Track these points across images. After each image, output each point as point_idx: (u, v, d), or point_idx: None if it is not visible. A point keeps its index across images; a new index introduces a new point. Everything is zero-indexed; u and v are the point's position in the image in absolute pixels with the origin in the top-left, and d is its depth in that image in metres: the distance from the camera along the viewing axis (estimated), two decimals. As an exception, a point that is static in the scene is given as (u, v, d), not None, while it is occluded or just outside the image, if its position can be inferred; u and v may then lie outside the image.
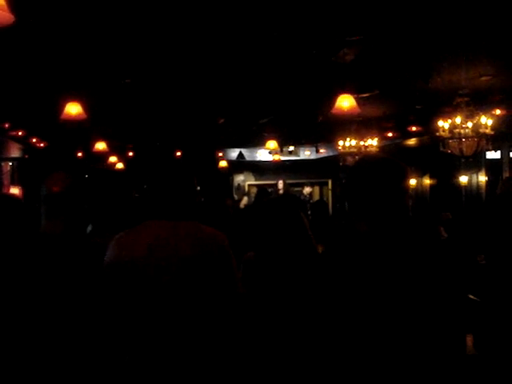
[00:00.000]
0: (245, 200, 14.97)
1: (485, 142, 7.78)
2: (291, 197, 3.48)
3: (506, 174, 11.51)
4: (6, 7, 3.09)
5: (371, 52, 6.24)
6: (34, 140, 12.63)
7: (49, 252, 2.50)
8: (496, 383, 3.55)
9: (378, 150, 11.33)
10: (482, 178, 13.04)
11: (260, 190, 8.76)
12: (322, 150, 15.59)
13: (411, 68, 7.14)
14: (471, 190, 13.37)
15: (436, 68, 7.18)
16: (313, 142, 14.99)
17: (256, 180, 18.96)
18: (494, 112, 8.43)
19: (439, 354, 1.97)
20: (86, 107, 6.80)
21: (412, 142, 13.12)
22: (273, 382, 2.67)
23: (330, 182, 19.30)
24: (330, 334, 2.05)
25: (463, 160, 8.82)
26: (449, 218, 9.91)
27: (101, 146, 11.13)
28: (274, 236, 2.93)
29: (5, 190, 13.75)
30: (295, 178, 17.79)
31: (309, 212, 6.89)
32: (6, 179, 14.90)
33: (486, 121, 7.65)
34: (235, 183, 19.20)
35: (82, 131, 10.88)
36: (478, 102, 7.96)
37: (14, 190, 14.26)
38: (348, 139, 11.48)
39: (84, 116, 6.70)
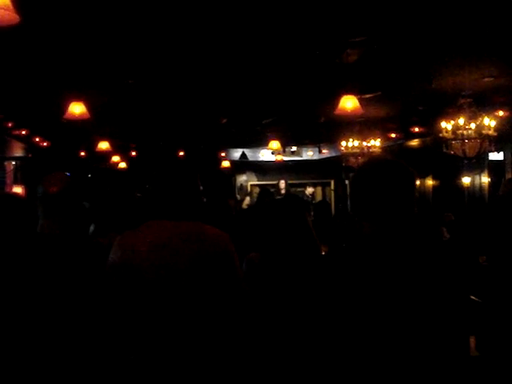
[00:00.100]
0: (247, 200, 14.98)
1: (488, 143, 7.78)
2: (295, 197, 3.47)
3: (508, 176, 11.50)
4: (11, 7, 3.11)
5: (374, 53, 6.24)
6: (37, 139, 12.65)
7: (46, 252, 2.50)
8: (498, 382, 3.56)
9: (380, 150, 11.32)
10: (485, 180, 13.04)
11: (262, 191, 8.76)
12: (324, 151, 15.59)
13: (414, 69, 7.15)
14: (474, 192, 13.37)
15: (439, 69, 7.18)
16: (315, 142, 14.99)
17: (258, 180, 18.95)
18: (496, 113, 8.43)
19: (444, 356, 1.98)
20: (89, 107, 6.82)
21: (415, 142, 13.11)
22: (277, 383, 2.68)
23: (332, 183, 19.28)
24: (334, 336, 2.06)
25: (466, 161, 8.81)
26: (451, 219, 9.90)
27: (104, 145, 11.14)
28: (279, 236, 2.94)
29: (8, 189, 13.77)
30: (298, 178, 17.77)
31: (311, 212, 6.89)
32: (9, 178, 14.93)
33: (489, 122, 7.66)
34: (238, 183, 19.20)
35: (85, 131, 10.90)
36: (480, 104, 7.97)
37: (17, 189, 14.28)
38: (351, 140, 11.48)
39: (87, 116, 6.72)
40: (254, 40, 5.81)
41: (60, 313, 2.41)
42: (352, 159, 11.60)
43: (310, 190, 15.91)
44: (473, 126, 7.66)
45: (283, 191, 14.10)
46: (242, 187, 19.03)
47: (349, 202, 17.83)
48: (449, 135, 7.84)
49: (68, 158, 14.84)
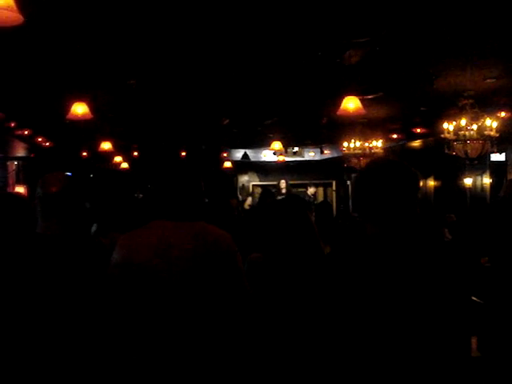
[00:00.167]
0: (249, 200, 14.97)
1: (489, 144, 7.78)
2: (297, 197, 3.48)
3: (510, 176, 11.50)
4: (14, 8, 3.12)
5: (376, 54, 6.24)
6: (40, 139, 12.65)
7: (45, 253, 2.50)
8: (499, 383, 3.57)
9: (382, 151, 11.32)
10: (487, 180, 13.04)
11: (264, 191, 8.76)
12: (326, 151, 15.59)
13: (416, 70, 7.15)
14: (476, 192, 13.37)
15: (441, 70, 7.18)
16: (317, 143, 15.00)
17: (260, 180, 18.98)
18: (498, 114, 8.42)
19: (446, 356, 1.98)
20: (91, 107, 6.83)
21: (417, 143, 13.11)
22: (279, 382, 2.69)
23: (334, 183, 19.30)
24: (337, 336, 2.06)
25: (468, 162, 8.81)
26: (453, 220, 9.91)
27: (106, 145, 11.15)
28: (282, 236, 2.94)
29: (10, 189, 13.81)
30: (299, 178, 17.78)
31: (313, 213, 6.89)
32: (12, 178, 14.97)
33: (491, 123, 7.65)
34: (239, 184, 19.22)
35: (88, 131, 10.92)
36: (482, 105, 7.96)
37: (19, 189, 14.33)
38: (353, 141, 11.49)
39: (90, 116, 6.73)
40: (257, 41, 5.81)
41: (59, 313, 2.42)
42: (354, 160, 11.60)
43: (311, 191, 15.88)
44: (475, 127, 7.65)
45: (284, 191, 14.09)
46: (244, 187, 19.04)
47: (350, 203, 17.86)
48: (451, 136, 7.83)
49: (70, 158, 14.86)
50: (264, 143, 13.91)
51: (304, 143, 15.47)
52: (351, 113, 6.35)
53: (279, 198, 10.36)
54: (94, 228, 4.66)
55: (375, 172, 2.19)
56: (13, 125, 10.48)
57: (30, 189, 14.00)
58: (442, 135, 7.99)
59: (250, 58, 6.52)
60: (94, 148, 12.41)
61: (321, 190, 19.36)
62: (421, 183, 2.34)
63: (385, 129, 11.52)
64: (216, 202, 6.59)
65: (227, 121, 10.63)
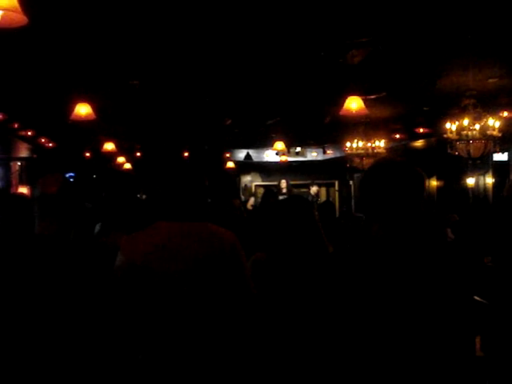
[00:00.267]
0: (251, 201, 14.96)
1: (492, 144, 7.77)
2: (301, 197, 3.48)
3: (512, 176, 11.50)
4: (19, 9, 3.13)
5: (379, 54, 6.25)
6: (43, 140, 12.68)
7: (41, 253, 2.51)
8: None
9: (385, 151, 11.31)
10: (489, 180, 13.03)
11: (266, 191, 8.77)
12: (329, 151, 15.59)
13: (419, 70, 7.15)
14: (478, 192, 13.36)
15: (443, 70, 7.19)
16: (320, 143, 15.00)
17: (263, 181, 18.97)
18: (501, 114, 8.42)
19: (450, 356, 1.99)
20: (95, 108, 6.84)
21: (419, 143, 13.11)
22: (283, 382, 2.69)
23: (336, 183, 19.29)
24: (342, 335, 2.07)
25: (470, 162, 8.80)
26: (456, 220, 9.90)
27: (109, 146, 11.17)
28: (288, 235, 2.95)
29: (13, 190, 13.82)
30: (302, 179, 17.77)
31: (316, 212, 6.88)
32: (15, 179, 14.98)
33: (494, 123, 7.64)
34: (242, 184, 19.22)
35: (91, 132, 10.93)
36: (485, 104, 7.96)
37: (23, 190, 14.34)
38: (355, 140, 11.47)
39: (93, 116, 6.74)
40: (259, 41, 5.82)
41: (56, 313, 2.42)
42: (356, 160, 11.58)
43: (314, 189, 15.86)
44: (477, 126, 7.64)
45: (284, 191, 14.08)
46: (247, 188, 19.04)
47: (353, 203, 17.86)
48: (453, 136, 7.82)
49: (73, 159, 14.88)
50: (267, 143, 13.91)
51: (307, 143, 15.47)
52: (354, 113, 6.36)
53: (280, 198, 10.38)
54: (97, 228, 4.66)
55: (381, 172, 2.20)
56: (16, 126, 10.52)
57: (33, 189, 14.02)
58: (445, 135, 7.99)
59: (253, 59, 6.53)
60: (97, 149, 12.44)
61: (323, 190, 19.36)
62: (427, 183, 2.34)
63: (387, 129, 11.51)
64: (219, 202, 6.60)
65: (230, 121, 10.64)
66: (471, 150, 7.78)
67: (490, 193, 12.97)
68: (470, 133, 7.69)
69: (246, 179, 19.32)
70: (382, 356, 1.97)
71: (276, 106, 9.56)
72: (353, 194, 18.00)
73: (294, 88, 8.13)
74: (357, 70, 6.53)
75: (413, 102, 9.49)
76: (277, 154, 14.50)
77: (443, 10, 4.98)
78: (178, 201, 2.64)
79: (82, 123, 7.65)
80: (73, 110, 6.77)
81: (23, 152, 14.82)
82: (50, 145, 13.18)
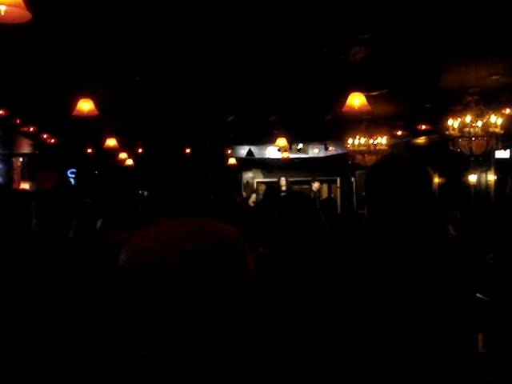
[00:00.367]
0: (253, 197, 14.99)
1: (494, 141, 7.78)
2: (303, 193, 3.50)
3: (514, 173, 11.49)
4: (22, 5, 3.14)
5: (381, 50, 6.24)
6: (45, 136, 12.68)
7: (38, 250, 2.51)
8: (505, 381, 3.57)
9: (387, 148, 11.31)
10: (491, 177, 13.02)
11: (268, 188, 8.78)
12: (331, 148, 15.58)
13: (421, 67, 7.14)
14: (480, 189, 13.35)
15: (446, 67, 7.18)
16: (322, 139, 14.98)
17: (264, 177, 18.98)
18: (503, 111, 8.41)
19: (453, 352, 2.00)
20: (97, 104, 6.85)
21: (421, 140, 13.09)
22: (287, 378, 2.70)
23: (338, 180, 19.29)
24: (343, 331, 2.08)
25: (472, 159, 8.80)
26: (457, 217, 9.89)
27: (111, 142, 11.18)
28: (295, 231, 2.96)
29: (15, 186, 13.85)
30: (304, 175, 17.77)
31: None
32: (17, 175, 15.01)
33: (496, 120, 7.65)
34: (244, 180, 19.22)
35: (93, 128, 10.94)
36: (487, 101, 7.96)
37: (25, 186, 14.36)
38: (357, 137, 11.47)
39: (96, 112, 6.74)
40: (261, 37, 5.82)
41: (53, 309, 2.42)
42: (358, 157, 11.58)
43: (316, 185, 15.87)
44: (480, 123, 7.65)
45: (284, 188, 14.09)
46: (248, 184, 19.05)
47: (354, 200, 17.86)
48: (455, 133, 7.83)
49: (75, 155, 14.89)
50: (268, 140, 13.90)
51: (308, 140, 15.46)
52: (356, 109, 6.36)
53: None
54: (99, 224, 4.67)
55: (388, 167, 2.20)
56: (18, 121, 10.52)
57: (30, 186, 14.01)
58: (447, 132, 8.00)
59: (255, 55, 6.53)
60: (98, 145, 12.44)
61: (325, 186, 19.36)
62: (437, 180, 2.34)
63: (389, 125, 11.50)
64: (220, 198, 6.60)
65: (232, 117, 10.64)
66: (473, 147, 7.79)
67: (492, 190, 12.96)
68: (472, 130, 7.70)
69: (248, 176, 19.32)
70: (386, 351, 1.98)
71: (278, 103, 9.56)
72: (354, 190, 18.00)
73: (297, 84, 8.13)
74: (359, 67, 6.52)
75: (415, 99, 9.48)
76: (279, 150, 14.51)
77: (446, 6, 4.98)
78: (182, 197, 2.65)
79: (85, 119, 7.66)
80: (75, 105, 6.77)
81: (25, 148, 14.83)
82: (52, 141, 13.19)
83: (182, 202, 2.64)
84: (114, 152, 13.62)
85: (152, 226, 2.60)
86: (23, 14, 3.19)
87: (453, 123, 7.86)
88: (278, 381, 2.75)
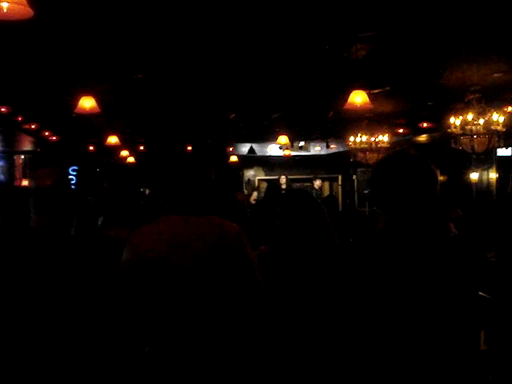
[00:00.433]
0: (254, 195, 15.00)
1: (496, 139, 7.77)
2: (305, 191, 3.50)
3: (516, 171, 11.46)
4: (24, 2, 3.14)
5: (383, 48, 6.24)
6: (47, 133, 12.69)
7: (37, 247, 2.51)
8: (506, 379, 3.58)
9: (388, 146, 11.30)
10: (493, 175, 13.02)
11: (270, 185, 8.79)
12: (332, 146, 15.57)
13: (423, 64, 7.14)
14: (482, 187, 13.35)
15: (448, 64, 7.17)
16: (323, 137, 14.98)
17: (266, 175, 18.98)
18: (505, 109, 8.40)
19: (456, 350, 2.00)
20: (98, 101, 6.85)
21: (423, 138, 13.08)
22: (290, 376, 2.70)
23: (340, 178, 19.28)
24: (349, 329, 2.08)
25: (474, 157, 8.79)
26: (459, 215, 9.89)
27: (113, 139, 11.18)
28: (298, 227, 2.96)
29: (17, 183, 13.86)
30: (305, 173, 17.78)
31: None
32: (18, 172, 15.02)
33: (498, 118, 7.64)
34: (245, 178, 19.22)
35: (95, 125, 10.94)
36: (489, 99, 7.95)
37: (26, 183, 14.36)
38: (359, 135, 11.46)
39: (98, 110, 6.75)
40: (263, 34, 5.81)
41: (52, 306, 2.42)
42: (360, 154, 11.57)
43: (318, 183, 15.88)
44: (481, 121, 7.64)
45: (284, 186, 14.11)
46: (250, 182, 19.05)
47: (356, 197, 17.85)
48: (457, 131, 7.82)
49: (77, 152, 14.90)
50: (270, 137, 13.90)
51: (310, 137, 15.45)
52: (358, 107, 6.36)
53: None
54: (100, 221, 4.69)
55: (394, 163, 2.20)
56: (20, 119, 10.53)
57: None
58: (449, 130, 7.99)
59: (257, 52, 6.53)
60: (100, 142, 12.44)
61: (327, 184, 19.35)
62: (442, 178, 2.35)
63: (391, 123, 11.49)
64: (222, 196, 6.61)
65: (233, 115, 10.64)
66: (475, 145, 7.78)
67: (494, 188, 12.96)
68: (474, 128, 7.69)
69: (249, 173, 19.31)
70: (389, 349, 1.98)
71: (280, 100, 9.56)
72: (356, 188, 17.99)
73: (298, 82, 8.12)
74: (361, 65, 6.52)
75: (417, 97, 9.47)
76: (280, 148, 14.52)
77: (448, 4, 4.97)
78: (184, 194, 2.64)
79: (87, 116, 7.66)
80: (77, 103, 6.77)
81: (27, 145, 14.84)
82: (54, 138, 13.20)
83: (184, 200, 2.64)
84: (115, 149, 13.64)
85: (154, 223, 2.60)
86: (25, 10, 3.19)
87: (454, 121, 7.85)
88: (279, 377, 2.75)
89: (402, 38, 5.97)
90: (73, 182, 14.20)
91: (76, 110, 6.77)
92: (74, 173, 15.57)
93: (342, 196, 18.84)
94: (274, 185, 8.55)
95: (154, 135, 13.82)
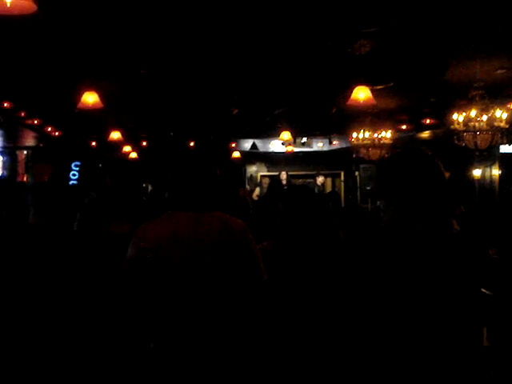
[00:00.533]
0: (257, 191, 14.99)
1: (499, 135, 7.75)
2: (308, 187, 3.50)
3: (519, 168, 11.47)
4: (28, -4, 3.14)
5: (387, 44, 6.23)
6: (50, 129, 12.69)
7: (35, 243, 2.51)
8: (508, 375, 3.58)
9: (391, 142, 11.28)
10: (496, 172, 13.00)
11: (272, 181, 8.79)
12: (335, 142, 15.55)
13: (426, 60, 7.13)
14: (484, 184, 13.33)
15: (451, 61, 7.16)
16: (326, 133, 14.97)
17: (268, 171, 18.95)
18: (509, 105, 8.37)
19: (460, 347, 2.00)
20: (102, 96, 6.84)
21: (426, 134, 13.06)
22: (291, 371, 2.71)
23: (342, 174, 19.25)
24: (352, 325, 2.08)
25: (477, 153, 8.78)
26: (461, 212, 9.88)
27: (115, 135, 11.17)
28: (304, 223, 2.96)
29: (19, 179, 13.87)
30: (308, 169, 17.74)
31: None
32: (21, 167, 15.03)
33: (501, 114, 7.62)
34: (248, 174, 19.20)
35: (97, 121, 10.94)
36: (493, 96, 7.93)
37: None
38: (362, 131, 11.44)
39: (101, 105, 6.74)
40: (267, 30, 5.81)
41: (55, 305, 2.42)
42: (363, 151, 11.54)
43: (320, 180, 15.85)
44: (484, 118, 7.62)
45: (284, 182, 14.09)
46: (252, 178, 19.03)
47: (358, 194, 17.83)
48: (460, 127, 7.81)
49: (79, 148, 14.89)
50: (273, 133, 13.89)
51: (313, 134, 15.44)
52: (361, 103, 6.34)
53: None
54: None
55: (405, 161, 2.20)
56: (23, 114, 10.53)
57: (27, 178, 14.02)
58: (452, 126, 7.97)
59: (260, 48, 6.52)
60: (103, 137, 12.44)
61: (329, 180, 19.33)
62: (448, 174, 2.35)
63: (394, 119, 11.48)
64: (224, 192, 6.61)
65: (236, 111, 10.63)
66: (478, 142, 7.76)
67: (497, 185, 12.94)
68: (477, 124, 7.67)
69: (252, 169, 19.29)
70: (392, 346, 1.98)
71: (283, 96, 9.55)
72: (358, 184, 17.96)
73: (302, 78, 8.11)
74: (364, 60, 6.51)
75: (420, 93, 9.46)
76: (283, 144, 14.50)
77: (451, 1, 4.96)
78: (190, 191, 2.64)
79: (89, 112, 7.65)
80: (80, 98, 6.77)
81: (29, 141, 14.84)
82: (57, 133, 13.19)
83: (190, 196, 2.64)
84: (118, 145, 13.63)
85: (160, 219, 2.61)
86: (29, 5, 3.19)
87: (457, 117, 7.83)
88: (282, 370, 2.76)
89: (405, 34, 5.96)
90: (75, 177, 14.20)
91: (79, 106, 6.76)
92: (77, 168, 15.56)
93: (345, 192, 18.81)
94: (276, 181, 8.55)
95: (157, 131, 13.82)
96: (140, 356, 2.50)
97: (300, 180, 17.14)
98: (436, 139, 12.88)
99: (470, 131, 7.75)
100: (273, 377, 2.78)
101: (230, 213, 2.75)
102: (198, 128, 13.52)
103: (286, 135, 12.17)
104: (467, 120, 7.74)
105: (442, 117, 10.20)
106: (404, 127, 12.22)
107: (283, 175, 14.70)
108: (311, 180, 16.76)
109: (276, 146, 16.32)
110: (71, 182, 13.02)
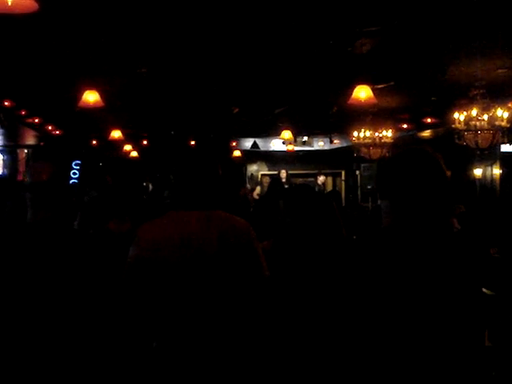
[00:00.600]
0: (258, 190, 14.98)
1: (500, 134, 7.75)
2: (309, 186, 3.51)
3: (520, 167, 11.47)
4: (29, -5, 3.14)
5: (388, 43, 6.22)
6: (50, 127, 12.70)
7: (34, 241, 2.50)
8: (510, 375, 3.58)
9: (392, 141, 11.28)
10: (497, 171, 13.00)
11: (273, 180, 8.79)
12: (336, 141, 15.55)
13: (428, 59, 7.12)
14: (485, 183, 13.33)
15: (452, 60, 7.15)
16: (327, 132, 14.96)
17: (269, 170, 18.95)
18: (510, 105, 8.36)
19: (462, 347, 2.00)
20: (102, 95, 6.85)
21: (427, 133, 13.06)
22: (293, 370, 2.71)
23: (343, 173, 19.25)
24: (353, 325, 2.08)
25: (478, 153, 8.78)
26: (462, 211, 9.88)
27: (116, 134, 11.18)
28: (309, 222, 2.96)
29: (20, 177, 13.88)
30: (308, 168, 17.75)
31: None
32: (22, 166, 15.03)
33: (502, 113, 7.62)
34: (248, 173, 19.20)
35: (98, 119, 10.94)
36: (494, 95, 7.92)
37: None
38: (362, 130, 11.44)
39: (101, 104, 6.74)
40: (268, 29, 5.80)
41: (55, 304, 2.42)
42: (363, 150, 11.54)
43: (321, 179, 15.84)
44: (486, 117, 7.62)
45: (284, 181, 14.09)
46: (253, 177, 19.03)
47: (359, 193, 17.83)
48: (461, 126, 7.80)
49: (80, 147, 14.91)
50: (274, 132, 13.89)
51: (313, 132, 15.44)
52: (362, 102, 6.35)
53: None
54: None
55: (408, 161, 2.20)
56: (23, 113, 10.53)
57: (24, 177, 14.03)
58: (453, 125, 7.97)
59: (261, 47, 6.51)
60: (103, 136, 12.45)
61: (330, 179, 19.33)
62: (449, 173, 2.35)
63: (395, 118, 11.47)
64: (225, 190, 6.61)
65: (237, 109, 10.62)
66: (479, 141, 7.76)
67: (498, 184, 12.94)
68: (478, 123, 7.67)
69: (253, 168, 19.29)
70: (394, 346, 1.98)
71: (284, 95, 9.54)
72: (359, 183, 17.96)
73: (302, 77, 8.11)
74: (365, 59, 6.50)
75: (421, 92, 9.45)
76: (283, 143, 14.50)
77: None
78: (193, 190, 2.64)
79: (90, 111, 7.66)
80: (81, 97, 6.77)
81: (30, 139, 14.85)
82: (57, 132, 13.20)
83: (192, 195, 2.64)
84: (118, 144, 13.64)
85: (163, 218, 2.61)
86: (30, 4, 3.19)
87: (459, 116, 7.83)
88: (283, 370, 2.76)
89: (406, 33, 5.96)
90: (76, 176, 14.21)
91: (79, 104, 6.77)
92: (77, 167, 15.56)
93: (346, 191, 18.82)
94: (276, 180, 8.55)
95: (158, 130, 13.82)
96: (142, 355, 2.50)
97: (300, 179, 17.13)
98: (437, 138, 12.88)
99: (470, 130, 7.75)
100: (276, 375, 2.78)
101: (231, 212, 2.75)
102: (199, 127, 13.51)
103: (286, 134, 12.17)
104: (468, 119, 7.74)
105: (443, 116, 10.19)
106: (405, 126, 12.21)
107: (283, 173, 14.70)
108: (312, 179, 16.76)
109: (277, 144, 16.32)
110: (72, 181, 13.06)
